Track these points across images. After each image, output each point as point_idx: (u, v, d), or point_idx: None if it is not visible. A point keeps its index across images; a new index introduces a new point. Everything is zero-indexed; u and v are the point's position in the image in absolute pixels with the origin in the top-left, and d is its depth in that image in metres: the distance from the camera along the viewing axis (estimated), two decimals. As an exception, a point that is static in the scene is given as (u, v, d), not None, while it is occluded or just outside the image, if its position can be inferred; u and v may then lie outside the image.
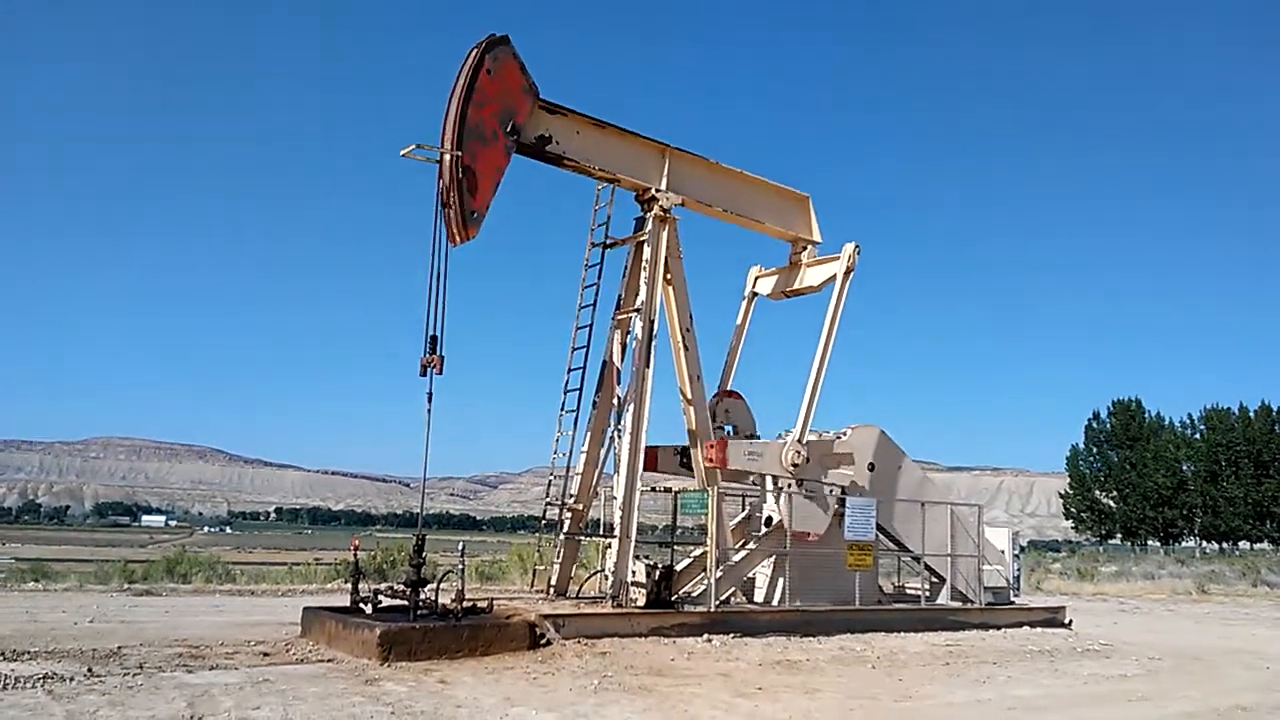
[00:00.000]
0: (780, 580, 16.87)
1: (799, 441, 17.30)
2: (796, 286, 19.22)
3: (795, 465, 17.14)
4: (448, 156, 13.84)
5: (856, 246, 18.40)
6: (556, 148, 15.51)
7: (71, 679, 9.78)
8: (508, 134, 14.56)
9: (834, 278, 18.41)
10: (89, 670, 10.24)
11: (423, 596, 13.08)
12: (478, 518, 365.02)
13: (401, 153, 13.75)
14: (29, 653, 11.26)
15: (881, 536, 18.41)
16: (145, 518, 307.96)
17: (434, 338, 13.66)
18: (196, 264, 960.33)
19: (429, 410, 13.45)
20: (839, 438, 18.35)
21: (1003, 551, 20.40)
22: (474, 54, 14.35)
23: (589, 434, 17.00)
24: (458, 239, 13.92)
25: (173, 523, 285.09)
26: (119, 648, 11.86)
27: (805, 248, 19.19)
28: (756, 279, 20.07)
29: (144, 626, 14.28)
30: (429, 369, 13.56)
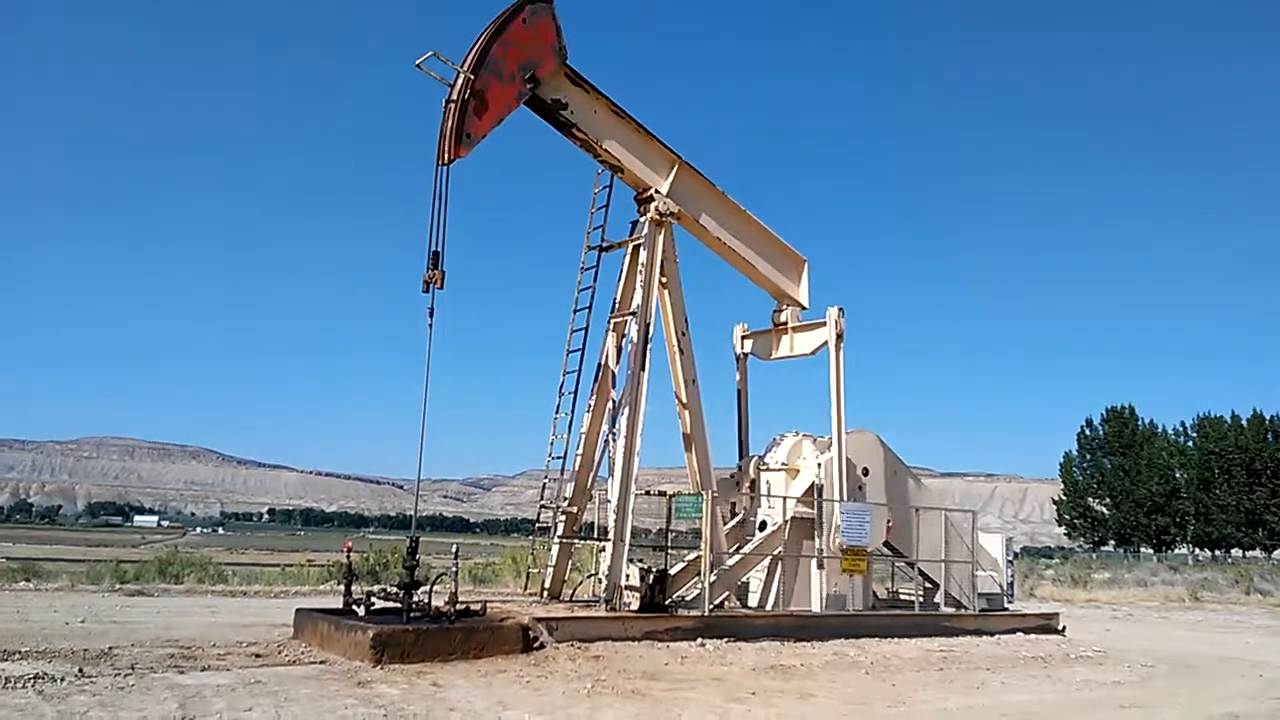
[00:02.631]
0: (774, 584, 16.87)
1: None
2: (789, 353, 19.26)
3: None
4: (461, 76, 14.18)
5: (840, 310, 18.38)
6: (570, 115, 15.63)
7: (62, 679, 9.72)
8: (525, 80, 14.85)
9: (826, 344, 18.43)
10: (80, 671, 10.18)
11: (416, 599, 13.04)
12: (471, 520, 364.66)
13: (416, 62, 13.96)
14: (19, 652, 11.19)
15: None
16: (138, 518, 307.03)
17: (435, 254, 13.83)
18: (190, 265, 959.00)
19: (430, 325, 13.60)
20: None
21: (996, 558, 20.41)
22: (516, 2, 14.78)
23: (584, 437, 17.00)
24: (447, 156, 14.12)
25: (165, 523, 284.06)
26: (110, 648, 11.79)
27: (789, 307, 19.17)
28: (743, 338, 20.13)
29: (136, 627, 14.22)
30: (430, 284, 13.72)
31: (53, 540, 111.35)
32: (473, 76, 14.24)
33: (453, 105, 14.18)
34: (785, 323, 19.22)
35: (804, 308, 19.13)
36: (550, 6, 15.12)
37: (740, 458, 19.58)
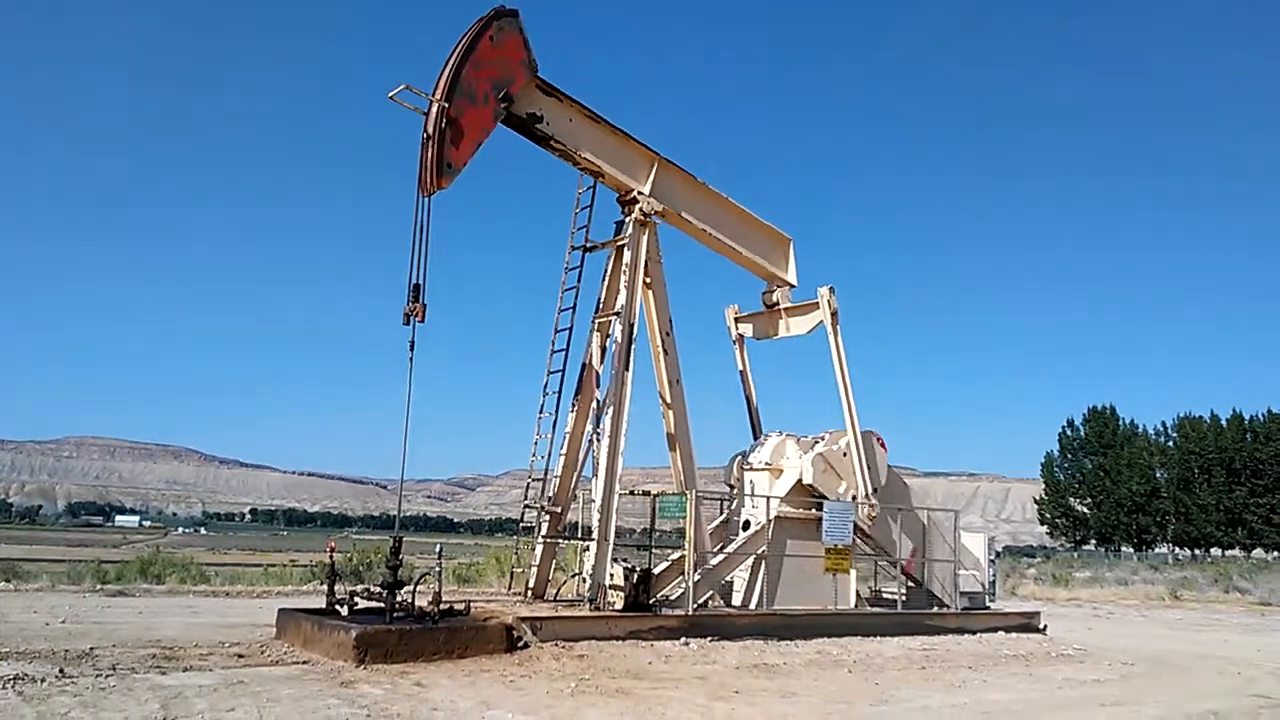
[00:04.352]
0: (758, 584, 16.92)
1: (868, 498, 17.97)
2: (785, 334, 19.50)
3: (873, 520, 18.04)
4: (435, 106, 13.97)
5: (831, 289, 18.56)
6: (546, 128, 15.55)
7: (43, 680, 9.66)
8: (499, 100, 14.70)
9: (822, 323, 18.68)
10: (61, 671, 10.12)
11: (399, 598, 13.02)
12: (455, 520, 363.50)
13: (390, 94, 13.80)
14: (-1, 653, 11.13)
15: (859, 540, 18.48)
16: (119, 518, 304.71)
17: (417, 286, 13.70)
18: (173, 266, 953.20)
19: (411, 359, 13.50)
20: (817, 441, 18.38)
21: (979, 557, 20.52)
22: (481, 21, 14.57)
23: (568, 437, 17.00)
24: (430, 188, 13.97)
25: (147, 523, 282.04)
26: (91, 649, 11.73)
27: (779, 287, 19.26)
28: (737, 320, 20.22)
29: (117, 627, 14.14)
30: (411, 317, 13.60)
31: (33, 540, 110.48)
32: (446, 104, 13.99)
33: (430, 136, 13.96)
34: (777, 303, 19.36)
35: (793, 286, 19.24)
36: (516, 20, 14.89)
37: (754, 436, 19.77)
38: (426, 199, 13.93)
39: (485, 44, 14.55)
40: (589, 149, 16.12)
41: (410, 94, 13.89)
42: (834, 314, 18.54)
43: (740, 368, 20.28)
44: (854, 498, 18.03)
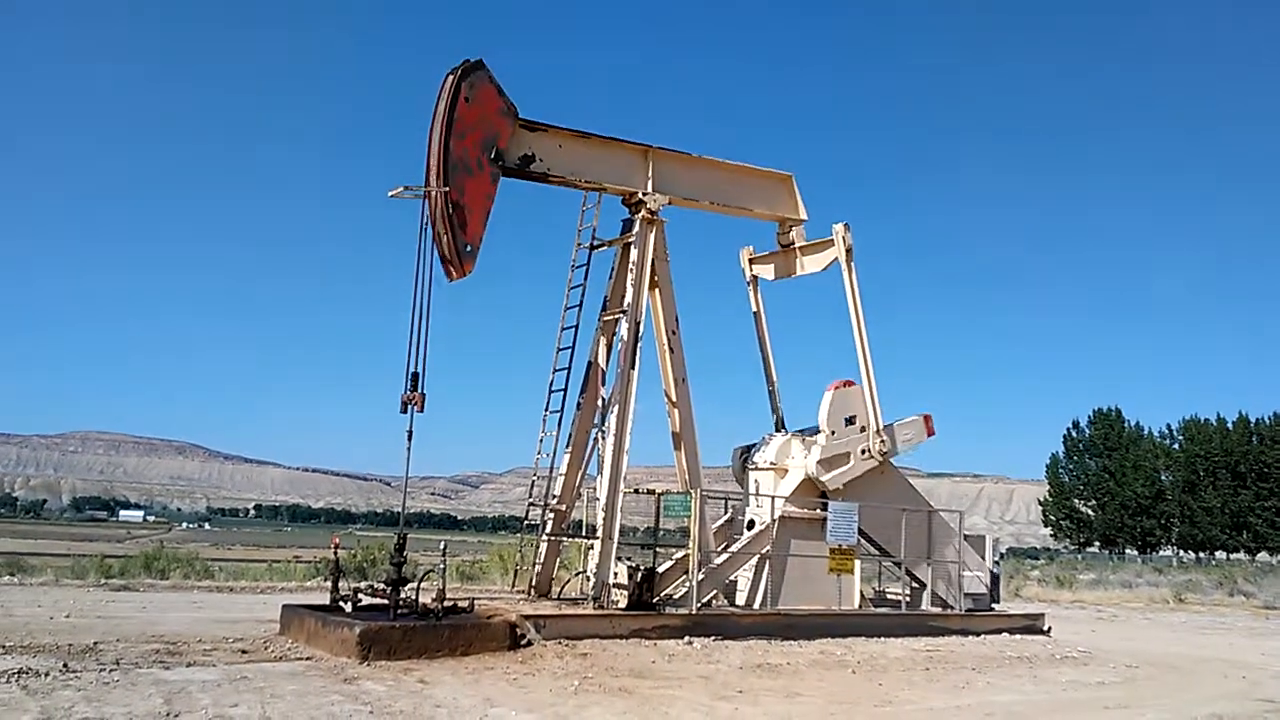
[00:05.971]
0: (762, 583, 16.90)
1: (878, 432, 18.20)
2: (799, 273, 19.51)
3: (884, 453, 18.30)
4: (434, 194, 13.70)
5: (846, 225, 18.54)
6: (540, 165, 15.49)
7: (47, 674, 9.69)
8: (492, 160, 14.48)
9: (836, 261, 18.68)
10: (64, 666, 10.14)
11: (403, 595, 13.02)
12: (459, 517, 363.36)
13: (390, 194, 13.72)
14: (3, 647, 11.14)
15: (862, 541, 18.45)
16: (123, 513, 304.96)
17: (415, 375, 13.46)
18: (177, 261, 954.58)
19: (408, 448, 13.44)
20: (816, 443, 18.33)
21: (983, 557, 20.46)
22: (450, 81, 14.19)
23: (573, 435, 17.01)
24: (454, 275, 13.89)
25: (151, 518, 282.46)
26: (95, 644, 11.76)
27: (793, 226, 19.28)
28: (751, 262, 20.20)
29: (121, 622, 14.17)
30: (410, 406, 13.44)
31: (38, 535, 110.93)
32: (446, 189, 13.72)
33: (440, 226, 13.70)
34: (793, 242, 19.35)
35: (804, 220, 19.22)
36: (484, 70, 14.47)
37: (768, 384, 19.96)
38: (422, 286, 13.58)
39: (463, 108, 14.10)
40: (585, 170, 16.11)
41: (410, 190, 13.72)
42: (849, 251, 18.48)
43: (754, 309, 20.24)
44: (864, 451, 18.06)
